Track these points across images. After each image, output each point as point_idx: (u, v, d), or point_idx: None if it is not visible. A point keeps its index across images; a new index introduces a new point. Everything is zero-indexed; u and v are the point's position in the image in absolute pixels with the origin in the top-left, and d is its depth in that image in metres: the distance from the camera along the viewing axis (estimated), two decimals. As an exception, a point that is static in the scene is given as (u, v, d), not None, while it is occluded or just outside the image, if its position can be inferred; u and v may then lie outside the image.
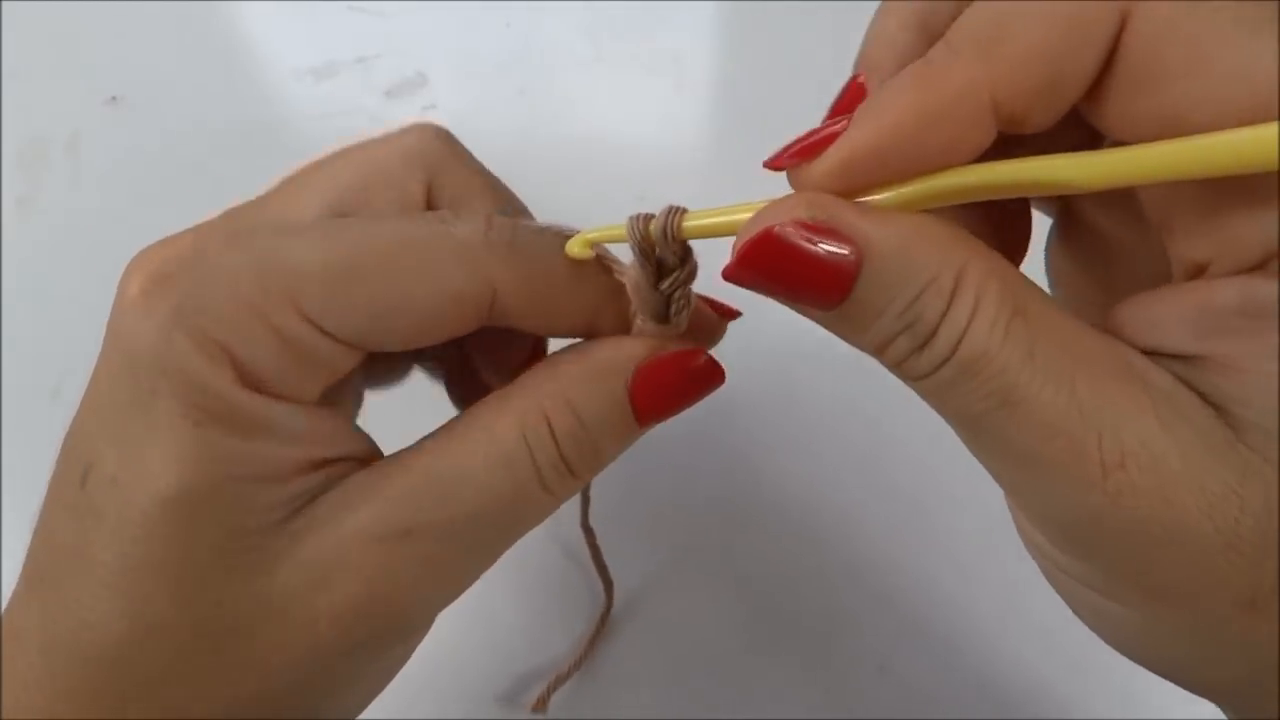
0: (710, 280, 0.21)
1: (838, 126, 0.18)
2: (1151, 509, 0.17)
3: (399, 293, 0.21)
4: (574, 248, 0.22)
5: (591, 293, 0.23)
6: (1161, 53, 0.16)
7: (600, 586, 0.36)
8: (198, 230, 0.22)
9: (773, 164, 0.19)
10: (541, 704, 0.34)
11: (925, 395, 0.19)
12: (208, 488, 0.19)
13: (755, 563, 0.39)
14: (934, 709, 0.36)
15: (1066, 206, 0.23)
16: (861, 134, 0.18)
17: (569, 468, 0.22)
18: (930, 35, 0.19)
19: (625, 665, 0.36)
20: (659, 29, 0.55)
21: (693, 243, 0.22)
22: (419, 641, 0.24)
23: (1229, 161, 0.15)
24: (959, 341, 0.17)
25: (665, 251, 0.21)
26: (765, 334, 0.45)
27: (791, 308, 0.19)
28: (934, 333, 0.17)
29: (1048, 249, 0.24)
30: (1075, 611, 0.21)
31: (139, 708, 0.20)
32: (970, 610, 0.37)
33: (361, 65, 0.54)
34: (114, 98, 0.53)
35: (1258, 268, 0.17)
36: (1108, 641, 0.21)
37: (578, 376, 0.23)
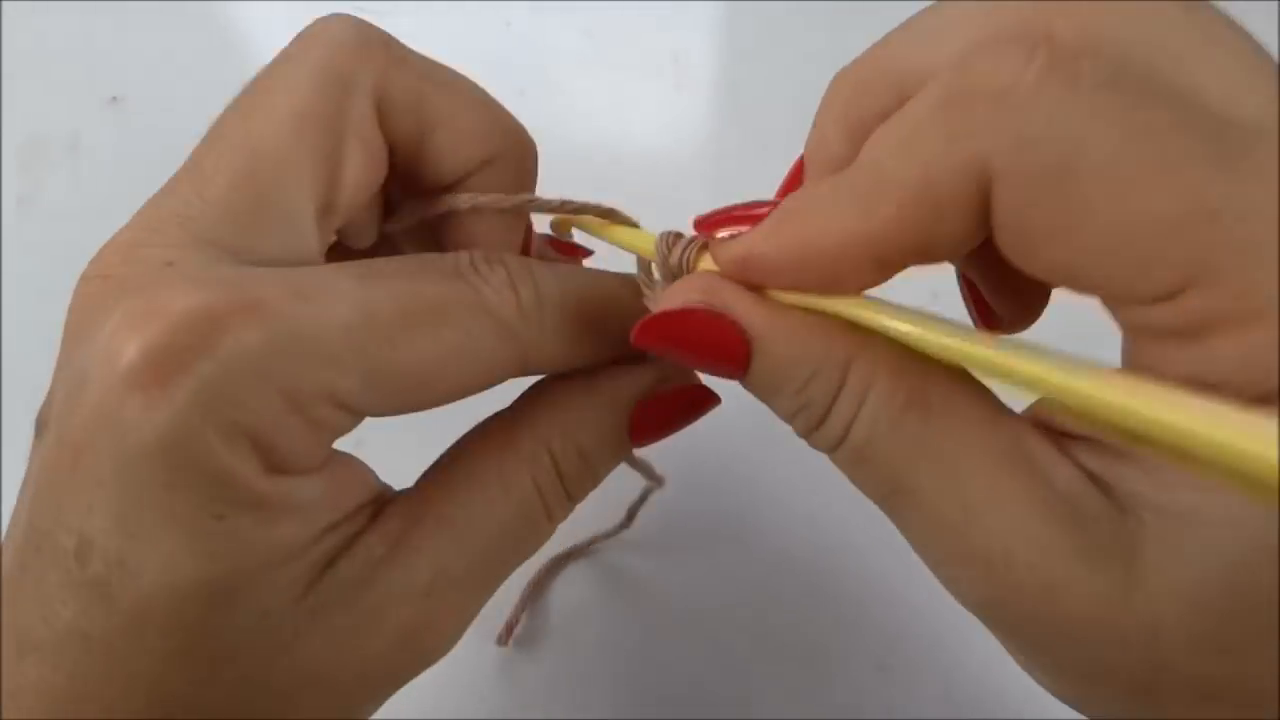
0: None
1: (761, 211, 0.19)
2: (1038, 608, 0.17)
3: (437, 370, 0.20)
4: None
5: (616, 333, 0.23)
6: (1030, 217, 0.16)
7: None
8: (181, 270, 0.20)
9: (700, 224, 0.21)
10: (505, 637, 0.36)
11: (839, 466, 0.20)
12: (231, 582, 0.18)
13: (755, 562, 0.39)
14: (934, 709, 0.36)
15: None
16: (761, 242, 0.19)
17: (570, 499, 0.24)
18: (858, 133, 0.19)
19: (624, 665, 0.36)
20: (659, 29, 0.55)
21: None
22: None
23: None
24: (847, 430, 0.18)
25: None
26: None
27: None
28: (823, 419, 0.19)
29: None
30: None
31: None
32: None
33: (361, 65, 0.54)
34: (114, 98, 0.53)
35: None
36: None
37: (584, 416, 0.23)
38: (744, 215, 0.20)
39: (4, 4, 0.56)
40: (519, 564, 0.23)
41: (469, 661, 0.36)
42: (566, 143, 0.50)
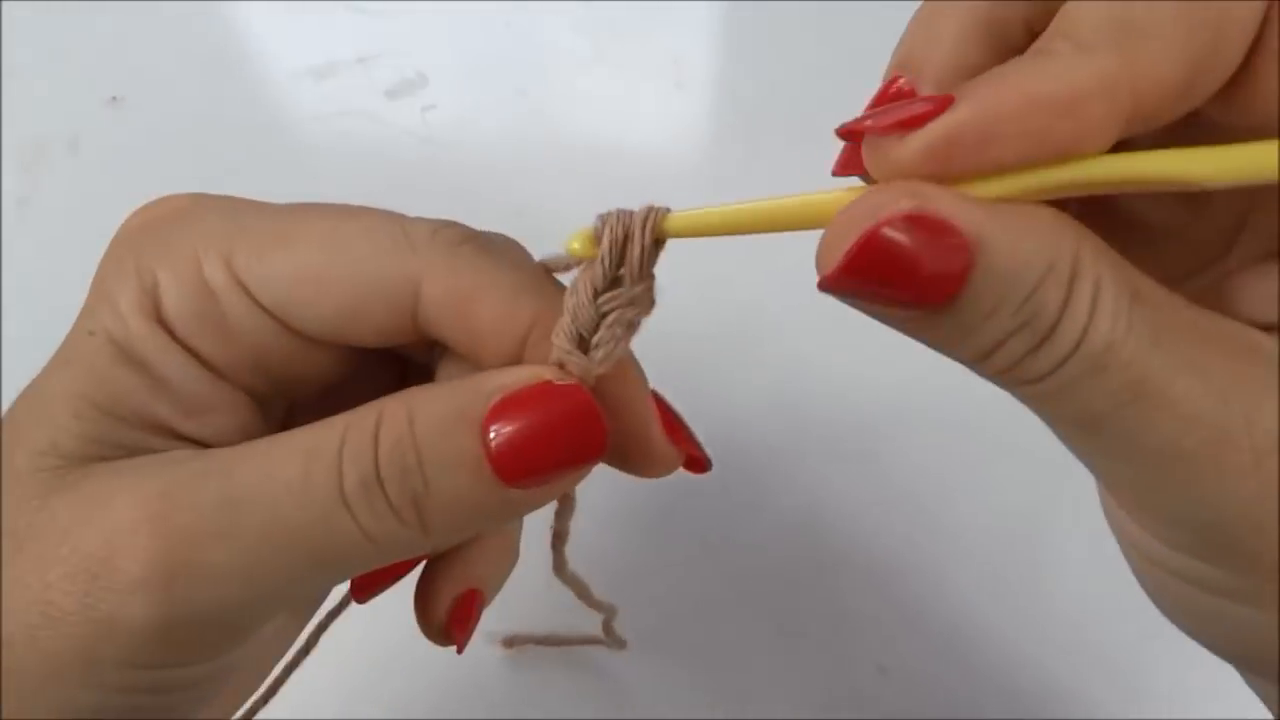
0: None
1: (926, 107, 0.16)
2: None
3: (322, 262, 0.20)
4: (573, 244, 0.20)
5: (522, 319, 0.20)
6: None
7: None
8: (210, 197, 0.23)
9: (855, 128, 0.17)
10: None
11: (1037, 400, 0.17)
12: (61, 393, 0.20)
13: (755, 563, 0.39)
14: (934, 709, 0.36)
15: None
16: (972, 113, 0.16)
17: (385, 493, 0.18)
18: (996, 39, 0.18)
19: (625, 666, 0.36)
20: (659, 29, 0.55)
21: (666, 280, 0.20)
22: (197, 688, 0.20)
23: None
24: (1083, 333, 0.16)
25: (633, 255, 0.19)
26: (765, 337, 0.45)
27: (876, 316, 0.17)
28: (1054, 327, 0.16)
29: None
30: (1179, 621, 0.20)
31: None
32: (970, 610, 0.37)
33: (361, 65, 0.54)
34: (114, 98, 0.53)
35: None
36: (1218, 650, 0.20)
37: (436, 389, 0.20)
38: (906, 113, 0.16)
39: (4, 4, 0.56)
40: (287, 552, 0.18)
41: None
42: (566, 143, 0.50)
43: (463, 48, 0.55)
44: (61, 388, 0.20)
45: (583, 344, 0.19)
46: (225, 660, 0.20)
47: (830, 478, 0.40)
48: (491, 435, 0.18)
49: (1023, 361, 0.16)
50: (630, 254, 0.19)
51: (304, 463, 0.18)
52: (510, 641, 0.37)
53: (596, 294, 0.19)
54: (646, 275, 0.19)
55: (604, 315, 0.19)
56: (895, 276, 0.16)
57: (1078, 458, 0.18)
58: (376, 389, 0.21)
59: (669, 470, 0.23)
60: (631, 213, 0.19)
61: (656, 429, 0.22)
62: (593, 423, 0.19)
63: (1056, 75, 0.15)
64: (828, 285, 0.16)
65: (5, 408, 0.21)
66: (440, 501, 0.19)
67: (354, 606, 0.25)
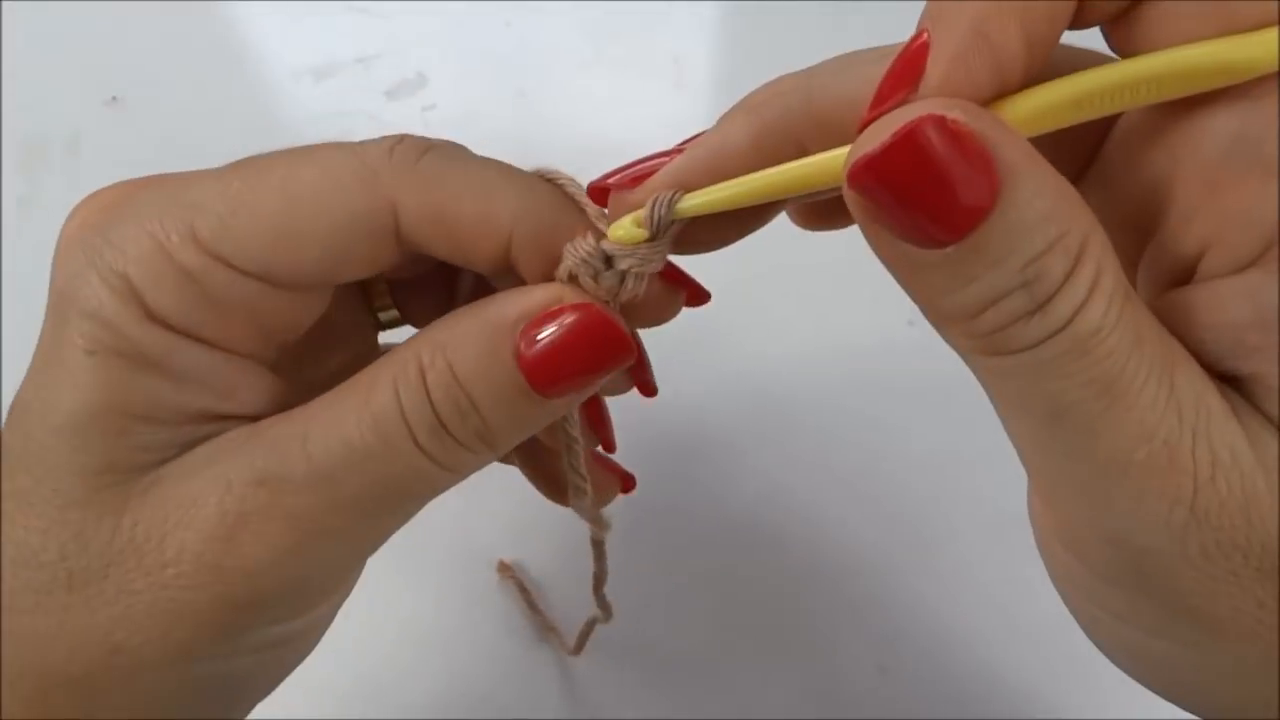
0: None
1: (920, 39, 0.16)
2: (1235, 530, 0.15)
3: (294, 214, 0.20)
4: (619, 231, 0.21)
5: (503, 216, 0.21)
6: None
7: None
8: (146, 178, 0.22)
9: (882, 104, 0.17)
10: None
11: (1010, 375, 0.17)
12: (86, 416, 0.19)
13: (755, 563, 0.39)
14: (934, 709, 0.36)
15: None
16: (953, 34, 0.16)
17: (447, 429, 0.20)
18: (765, 132, 0.20)
19: (623, 665, 0.36)
20: (659, 29, 0.55)
21: None
22: (315, 622, 0.23)
23: None
24: (1077, 311, 0.15)
25: (663, 219, 0.21)
26: (764, 338, 0.45)
27: (881, 246, 0.17)
28: (1053, 295, 0.15)
29: None
30: (1108, 653, 0.20)
31: (11, 641, 0.19)
32: (970, 610, 0.37)
33: (361, 65, 0.54)
34: (114, 98, 0.53)
35: (1253, 260, 0.16)
36: (1144, 682, 0.20)
37: (460, 327, 0.21)
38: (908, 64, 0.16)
39: (4, 4, 0.56)
40: (387, 496, 0.21)
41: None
42: (566, 142, 0.50)
43: (463, 48, 0.55)
44: (83, 408, 0.19)
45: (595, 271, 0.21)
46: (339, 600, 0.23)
47: (831, 476, 0.40)
48: (527, 353, 0.20)
49: (1012, 327, 0.16)
50: (660, 219, 0.21)
51: (375, 427, 0.20)
52: (504, 568, 0.37)
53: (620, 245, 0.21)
54: (666, 235, 0.21)
55: (621, 258, 0.21)
56: (921, 186, 0.15)
57: (1023, 459, 0.18)
58: (362, 305, 0.25)
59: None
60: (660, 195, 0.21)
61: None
62: (612, 330, 0.21)
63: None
64: (852, 178, 0.16)
65: (6, 407, 0.21)
66: (498, 426, 0.21)
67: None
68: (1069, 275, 0.15)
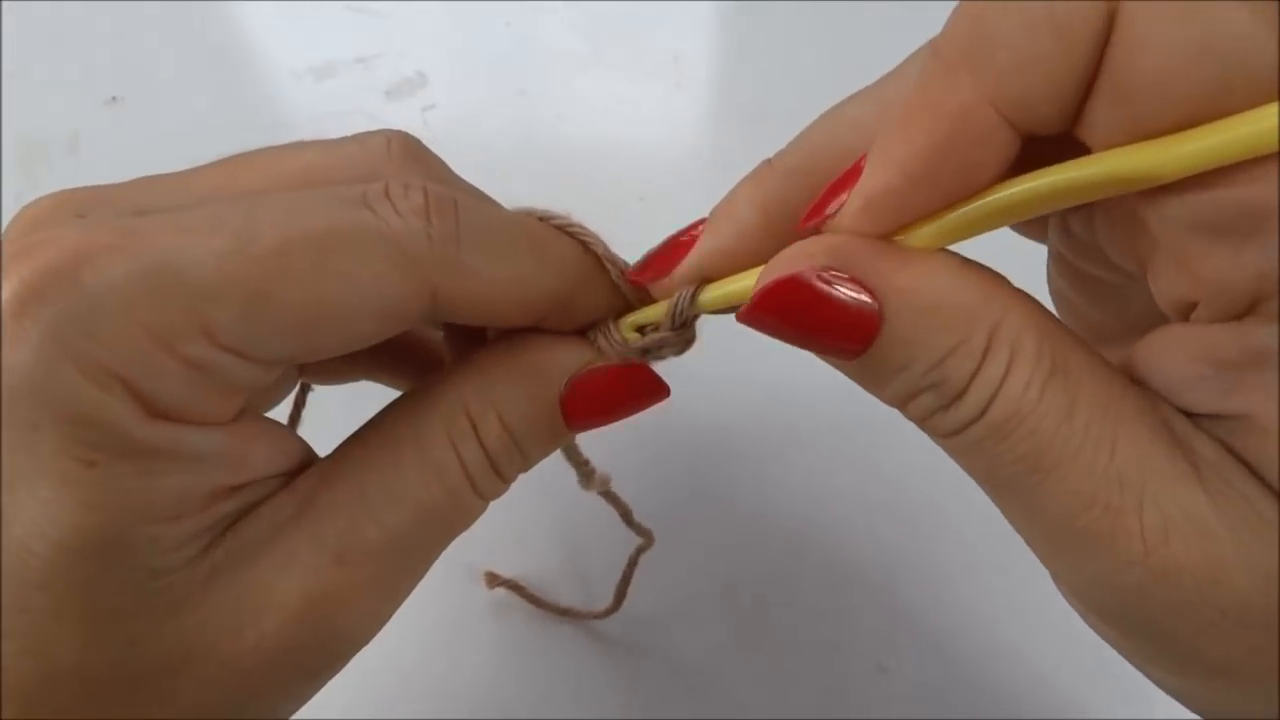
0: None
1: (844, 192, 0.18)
2: (1199, 590, 0.15)
3: (324, 306, 0.18)
4: (625, 331, 0.23)
5: (541, 300, 0.21)
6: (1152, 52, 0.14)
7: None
8: (85, 219, 0.19)
9: (809, 220, 0.18)
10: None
11: (951, 453, 0.18)
12: (112, 533, 0.17)
13: (755, 563, 0.39)
14: (934, 709, 0.36)
15: (1064, 228, 0.21)
16: (877, 177, 0.17)
17: (498, 473, 0.22)
18: (769, 208, 0.20)
19: (624, 666, 0.36)
20: (659, 29, 0.55)
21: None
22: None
23: None
24: (990, 401, 0.16)
25: (685, 311, 0.22)
26: (764, 338, 0.45)
27: (813, 352, 0.19)
28: (962, 392, 0.16)
29: (1048, 272, 0.23)
30: (1152, 681, 0.20)
31: None
32: (970, 610, 0.37)
33: (361, 65, 0.54)
34: (114, 98, 0.53)
35: (1247, 312, 0.15)
36: (1191, 709, 0.19)
37: (506, 381, 0.22)
38: (837, 186, 0.18)
39: (4, 4, 0.56)
40: (446, 541, 0.22)
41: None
42: (567, 142, 0.50)
43: (463, 48, 0.55)
44: (96, 529, 0.17)
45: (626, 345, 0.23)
46: None
47: (830, 476, 0.40)
48: (569, 401, 0.22)
49: (933, 417, 0.17)
50: (682, 313, 0.22)
51: (440, 482, 0.21)
52: (493, 580, 0.37)
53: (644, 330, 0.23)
54: (689, 326, 0.23)
55: (648, 338, 0.23)
56: (802, 321, 0.17)
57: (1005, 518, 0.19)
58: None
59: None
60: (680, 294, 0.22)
61: None
62: (649, 378, 0.23)
63: (929, 113, 0.16)
64: (742, 317, 0.18)
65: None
66: (536, 459, 0.23)
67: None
68: (974, 374, 0.16)
